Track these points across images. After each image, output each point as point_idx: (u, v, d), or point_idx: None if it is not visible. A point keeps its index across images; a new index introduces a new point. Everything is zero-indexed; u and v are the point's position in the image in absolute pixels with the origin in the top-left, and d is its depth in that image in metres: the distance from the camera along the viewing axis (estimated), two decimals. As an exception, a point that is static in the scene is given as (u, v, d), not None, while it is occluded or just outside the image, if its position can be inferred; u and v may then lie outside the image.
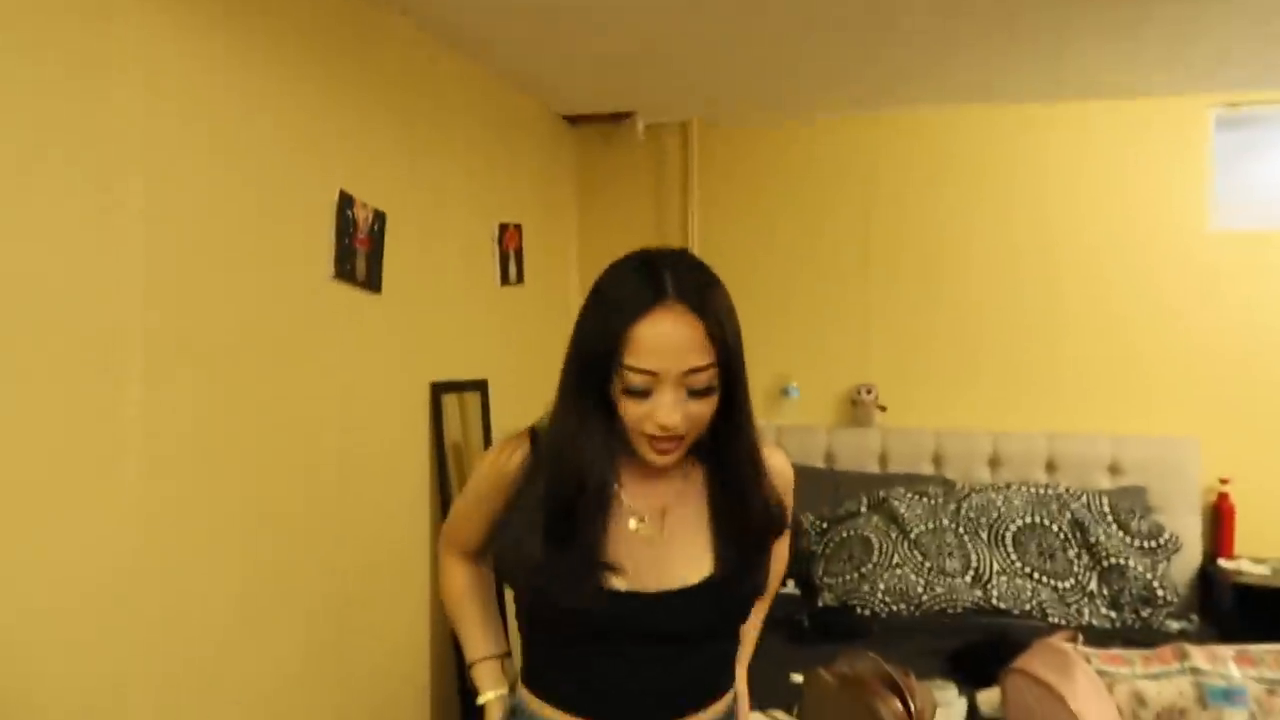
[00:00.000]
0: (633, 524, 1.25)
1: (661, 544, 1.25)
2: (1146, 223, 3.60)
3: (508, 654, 1.46)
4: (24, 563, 1.66)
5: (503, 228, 3.42)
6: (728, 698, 1.34)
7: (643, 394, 1.15)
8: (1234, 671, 2.00)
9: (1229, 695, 1.90)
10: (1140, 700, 2.00)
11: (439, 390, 3.00)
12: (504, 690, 1.40)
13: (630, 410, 1.17)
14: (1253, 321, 3.48)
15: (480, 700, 1.40)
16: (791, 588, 3.40)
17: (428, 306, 2.95)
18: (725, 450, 1.25)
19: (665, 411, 1.14)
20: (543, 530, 1.20)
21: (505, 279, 3.43)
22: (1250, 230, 3.51)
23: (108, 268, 1.81)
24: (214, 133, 2.07)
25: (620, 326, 1.13)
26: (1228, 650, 2.05)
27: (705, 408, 1.17)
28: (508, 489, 1.28)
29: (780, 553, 1.51)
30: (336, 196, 2.45)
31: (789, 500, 1.38)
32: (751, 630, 1.51)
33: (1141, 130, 3.61)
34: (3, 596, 1.62)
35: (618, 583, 1.21)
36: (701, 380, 1.15)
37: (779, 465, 1.37)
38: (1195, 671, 1.99)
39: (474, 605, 1.46)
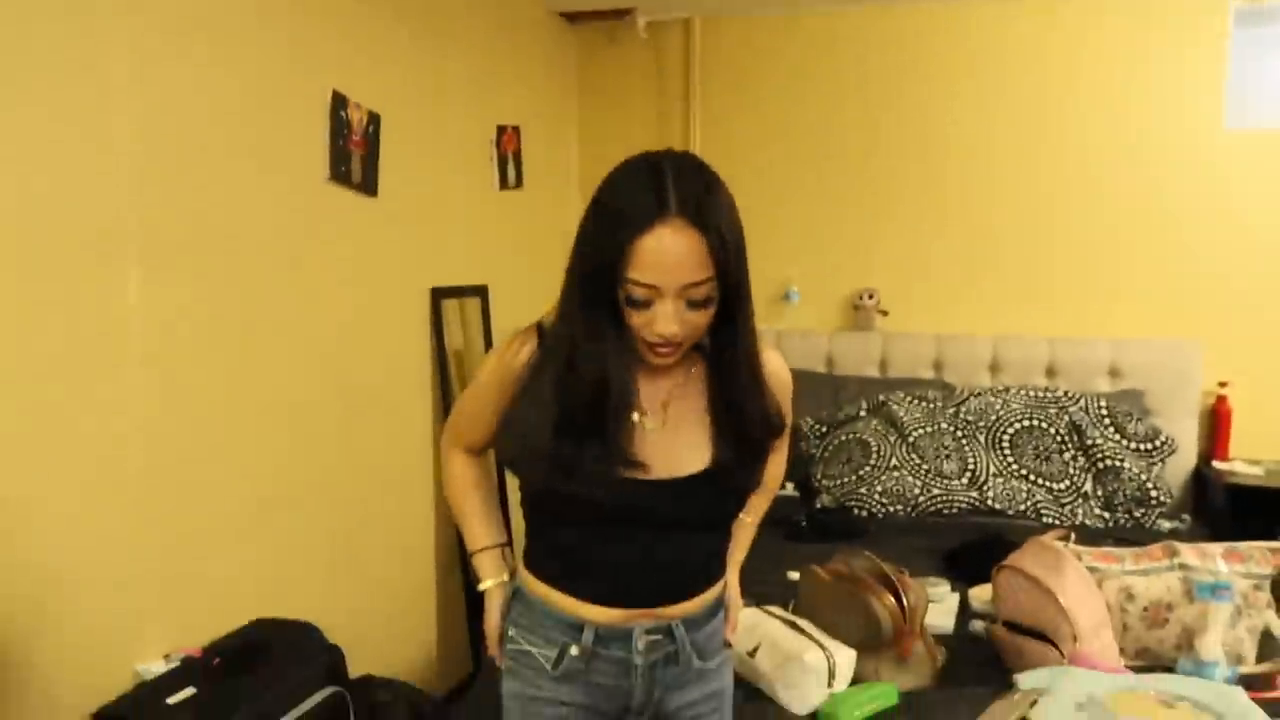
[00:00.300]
0: (636, 418, 1.29)
1: (663, 435, 1.29)
2: (1159, 121, 3.52)
3: (508, 544, 1.50)
4: (29, 463, 1.69)
5: (501, 130, 3.36)
6: (717, 587, 1.40)
7: (644, 304, 1.19)
8: (1222, 567, 2.04)
9: (1215, 590, 1.95)
10: (1129, 595, 2.04)
11: (439, 296, 2.99)
12: (504, 577, 1.45)
13: (632, 318, 1.21)
14: (1263, 223, 3.43)
15: (481, 587, 1.46)
16: (790, 489, 3.45)
17: (426, 211, 2.92)
18: (725, 353, 1.29)
19: (664, 322, 1.18)
20: (554, 424, 1.23)
21: (504, 183, 3.39)
22: (1268, 130, 3.42)
23: (99, 168, 1.80)
24: (204, 30, 2.02)
25: (623, 240, 1.16)
26: (1216, 547, 2.09)
27: (703, 318, 1.22)
28: (514, 384, 1.30)
29: (779, 456, 1.54)
30: (329, 97, 2.41)
31: (787, 403, 1.41)
32: (747, 531, 1.55)
33: (1156, 24, 3.50)
34: (11, 493, 1.65)
35: (623, 471, 1.25)
36: (700, 293, 1.18)
37: (776, 368, 1.39)
38: (1184, 568, 2.03)
39: (476, 497, 1.50)
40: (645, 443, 1.28)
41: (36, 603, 1.71)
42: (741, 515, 1.51)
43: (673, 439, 1.30)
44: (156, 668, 1.91)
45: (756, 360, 1.30)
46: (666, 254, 1.15)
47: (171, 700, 1.79)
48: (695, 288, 1.17)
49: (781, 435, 1.38)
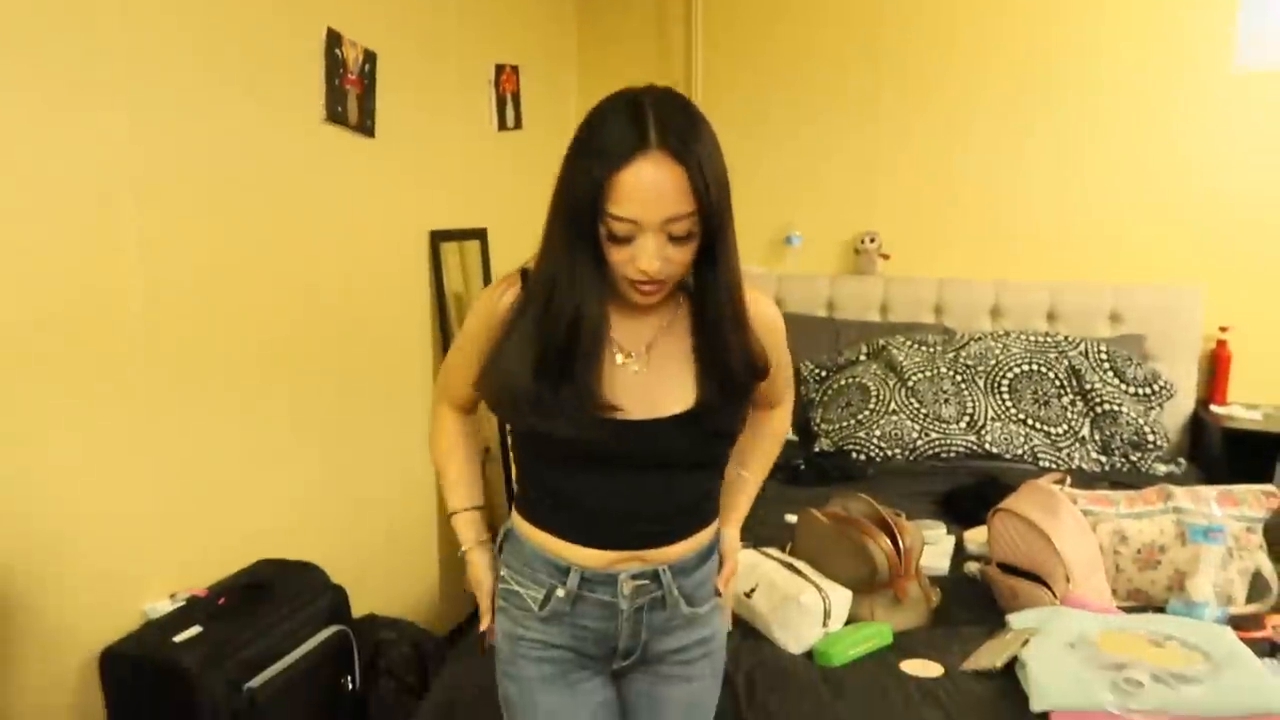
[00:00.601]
0: (620, 359, 1.29)
1: (647, 376, 1.29)
2: (1166, 62, 3.46)
3: (484, 506, 1.51)
4: (34, 409, 1.69)
5: (499, 69, 3.31)
6: (707, 533, 1.39)
7: (625, 240, 1.17)
8: (1215, 511, 2.06)
9: (1208, 532, 1.97)
10: (1122, 537, 2.07)
11: (438, 239, 2.98)
12: (485, 538, 1.46)
13: (613, 255, 1.19)
14: (1268, 166, 3.39)
15: (463, 549, 1.46)
16: (789, 433, 3.46)
17: (424, 152, 2.89)
18: (708, 293, 1.27)
19: (646, 258, 1.17)
20: (533, 365, 1.22)
21: (503, 124, 3.35)
22: (1277, 71, 3.37)
23: (92, 110, 1.77)
24: (192, -35, 1.98)
25: (603, 174, 1.14)
26: (1210, 491, 2.11)
27: (685, 254, 1.20)
28: (499, 329, 1.29)
29: (783, 411, 1.56)
30: (324, 34, 2.37)
31: (778, 349, 1.39)
32: (747, 487, 1.54)
33: (1167, -37, 3.43)
34: (17, 438, 1.67)
35: (601, 411, 1.25)
36: (682, 227, 1.17)
37: (763, 312, 1.36)
38: (1178, 511, 2.05)
39: (456, 459, 1.49)
40: (627, 383, 1.27)
41: (46, 545, 1.73)
42: (742, 471, 1.50)
43: (656, 380, 1.29)
44: (163, 607, 1.95)
45: (740, 299, 1.28)
46: (647, 187, 1.13)
47: (178, 638, 1.82)
48: (676, 222, 1.16)
49: (763, 378, 1.35)
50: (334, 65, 2.40)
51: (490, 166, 3.28)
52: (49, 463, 1.73)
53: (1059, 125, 3.59)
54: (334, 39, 2.39)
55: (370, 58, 2.54)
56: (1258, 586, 2.04)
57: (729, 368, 1.28)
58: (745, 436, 1.44)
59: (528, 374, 1.22)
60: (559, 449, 1.27)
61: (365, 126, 2.55)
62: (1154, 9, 3.44)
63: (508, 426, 1.39)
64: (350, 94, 2.47)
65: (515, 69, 3.42)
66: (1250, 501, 2.09)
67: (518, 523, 1.38)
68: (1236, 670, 1.65)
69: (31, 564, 1.69)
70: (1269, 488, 2.10)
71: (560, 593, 1.32)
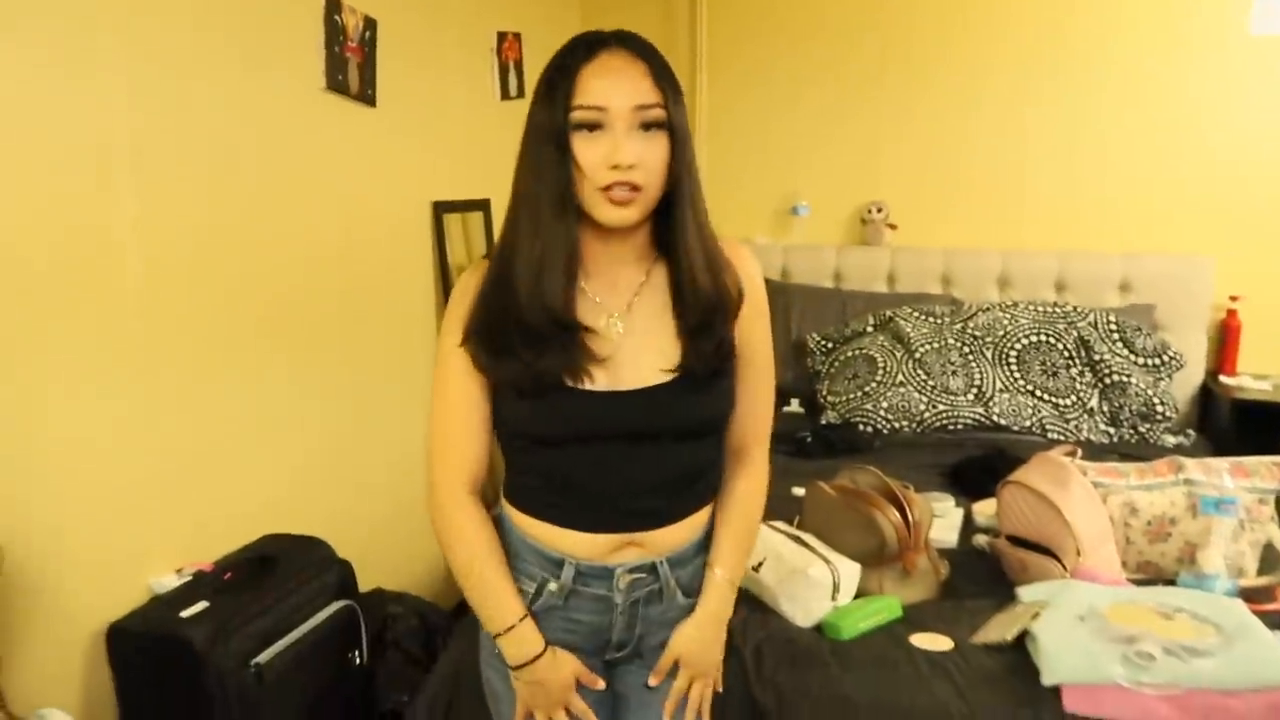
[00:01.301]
0: (604, 322, 1.23)
1: (631, 340, 1.24)
2: (1180, 25, 3.39)
3: None
4: (34, 384, 1.68)
5: (501, 37, 3.26)
6: (704, 514, 1.33)
7: (595, 131, 1.14)
8: (1228, 482, 2.04)
9: (1220, 504, 1.95)
10: (1132, 509, 2.05)
11: (441, 209, 2.95)
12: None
13: (585, 156, 1.14)
14: (1283, 136, 3.34)
15: (536, 652, 1.27)
16: (795, 406, 3.45)
17: (426, 122, 2.86)
18: (676, 234, 1.22)
19: (621, 149, 1.13)
20: (515, 335, 1.18)
21: (505, 93, 3.30)
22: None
23: (88, 78, 1.74)
24: (188, -70, 1.94)
25: (567, 77, 1.14)
26: (1223, 462, 2.09)
27: (657, 152, 1.15)
28: (470, 314, 1.23)
29: (763, 394, 1.38)
30: (323, 1, 2.33)
31: (751, 292, 1.30)
32: (742, 518, 1.37)
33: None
34: (18, 413, 1.65)
35: (591, 384, 1.20)
36: (652, 115, 1.14)
37: (737, 253, 1.31)
38: (1189, 483, 2.03)
39: (492, 562, 1.28)
40: (609, 350, 1.22)
41: (50, 522, 1.72)
42: (715, 568, 1.33)
43: (640, 342, 1.24)
44: (169, 582, 1.94)
45: (709, 236, 1.24)
46: (611, 72, 1.14)
47: (184, 614, 1.82)
48: (645, 110, 1.14)
49: (736, 311, 1.26)
50: (333, 32, 2.36)
51: (493, 136, 3.24)
52: (51, 438, 1.72)
53: (1069, 91, 3.54)
54: (333, 5, 2.35)
55: (370, 25, 2.50)
56: (1269, 559, 2.02)
57: (699, 303, 1.22)
58: (716, 509, 1.34)
59: (510, 346, 1.18)
60: (548, 426, 1.22)
61: (366, 95, 2.52)
62: (1168, -28, 3.38)
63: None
64: (351, 62, 2.43)
65: (518, 36, 3.37)
66: (1262, 473, 2.07)
67: (507, 510, 1.32)
68: (1248, 643, 1.64)
69: (36, 540, 1.68)
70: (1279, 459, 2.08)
71: (553, 586, 1.27)
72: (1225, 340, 3.41)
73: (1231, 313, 3.39)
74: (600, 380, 1.21)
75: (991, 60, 3.62)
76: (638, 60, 1.15)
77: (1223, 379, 3.35)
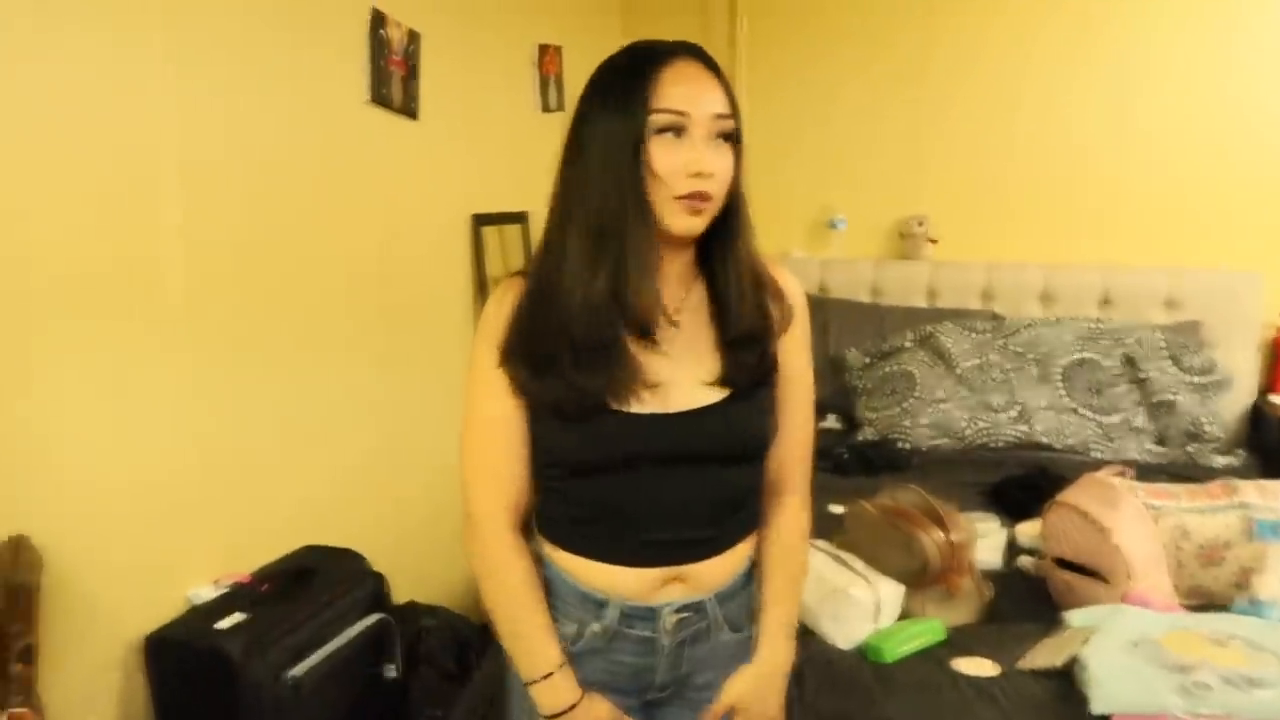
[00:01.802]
0: (648, 343, 1.16)
1: (672, 362, 1.18)
2: (1228, 32, 3.32)
3: None
4: (78, 395, 1.69)
5: (542, 50, 3.27)
6: (748, 545, 1.28)
7: (674, 136, 1.10)
8: (1284, 506, 1.98)
9: (1277, 529, 1.89)
10: (1184, 533, 1.99)
11: (480, 222, 2.95)
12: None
13: (664, 161, 1.09)
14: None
15: (574, 701, 1.21)
16: (833, 421, 3.41)
17: (467, 134, 2.87)
18: (729, 249, 1.19)
19: (703, 156, 1.10)
20: (564, 354, 1.12)
21: (546, 106, 3.31)
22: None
23: (138, 91, 1.76)
24: (234, -55, 1.96)
25: (642, 83, 1.10)
26: (1278, 485, 2.03)
27: (728, 162, 1.13)
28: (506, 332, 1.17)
29: (804, 420, 1.32)
30: (369, 15, 2.34)
31: (796, 313, 1.26)
32: (792, 556, 1.33)
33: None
34: (57, 430, 1.66)
35: (640, 406, 1.15)
36: (729, 125, 1.13)
37: (781, 274, 1.27)
38: (1244, 506, 1.97)
39: (537, 598, 1.22)
40: (658, 366, 1.16)
41: (89, 530, 1.73)
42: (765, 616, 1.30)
43: (683, 363, 1.18)
44: (206, 593, 1.95)
45: (754, 256, 1.21)
46: (688, 80, 1.11)
47: (221, 625, 1.82)
48: (722, 119, 1.11)
49: (776, 333, 1.22)
50: (379, 46, 2.37)
51: (533, 149, 3.23)
52: (92, 447, 1.73)
53: (1113, 103, 3.47)
54: (379, 20, 2.36)
55: (414, 38, 2.51)
56: (1328, 586, 1.95)
57: (751, 330, 1.18)
58: (764, 546, 1.30)
59: (559, 366, 1.12)
60: (593, 450, 1.16)
61: (409, 108, 2.53)
62: (1217, -17, 3.31)
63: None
64: (395, 75, 2.44)
65: (558, 49, 3.37)
66: (1320, 497, 2.01)
67: (543, 546, 1.26)
68: (1309, 674, 1.58)
69: (76, 549, 1.69)
70: (1340, 483, 2.01)
71: (595, 628, 1.21)
72: (1276, 358, 3.33)
73: (1282, 330, 3.31)
74: (648, 402, 1.16)
75: (1034, 73, 3.56)
76: (709, 70, 1.14)
77: (1273, 398, 3.26)
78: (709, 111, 1.10)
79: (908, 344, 3.42)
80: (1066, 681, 1.68)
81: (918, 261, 3.71)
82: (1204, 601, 2.00)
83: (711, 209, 1.13)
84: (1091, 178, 3.54)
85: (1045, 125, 3.58)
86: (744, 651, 1.30)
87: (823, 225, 3.86)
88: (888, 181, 3.81)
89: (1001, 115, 3.63)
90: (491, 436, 1.22)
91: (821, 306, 3.61)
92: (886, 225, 3.83)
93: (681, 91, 1.10)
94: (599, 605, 1.21)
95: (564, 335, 1.12)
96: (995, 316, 3.48)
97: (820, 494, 2.56)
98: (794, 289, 1.27)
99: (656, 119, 1.09)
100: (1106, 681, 1.59)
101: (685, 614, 1.22)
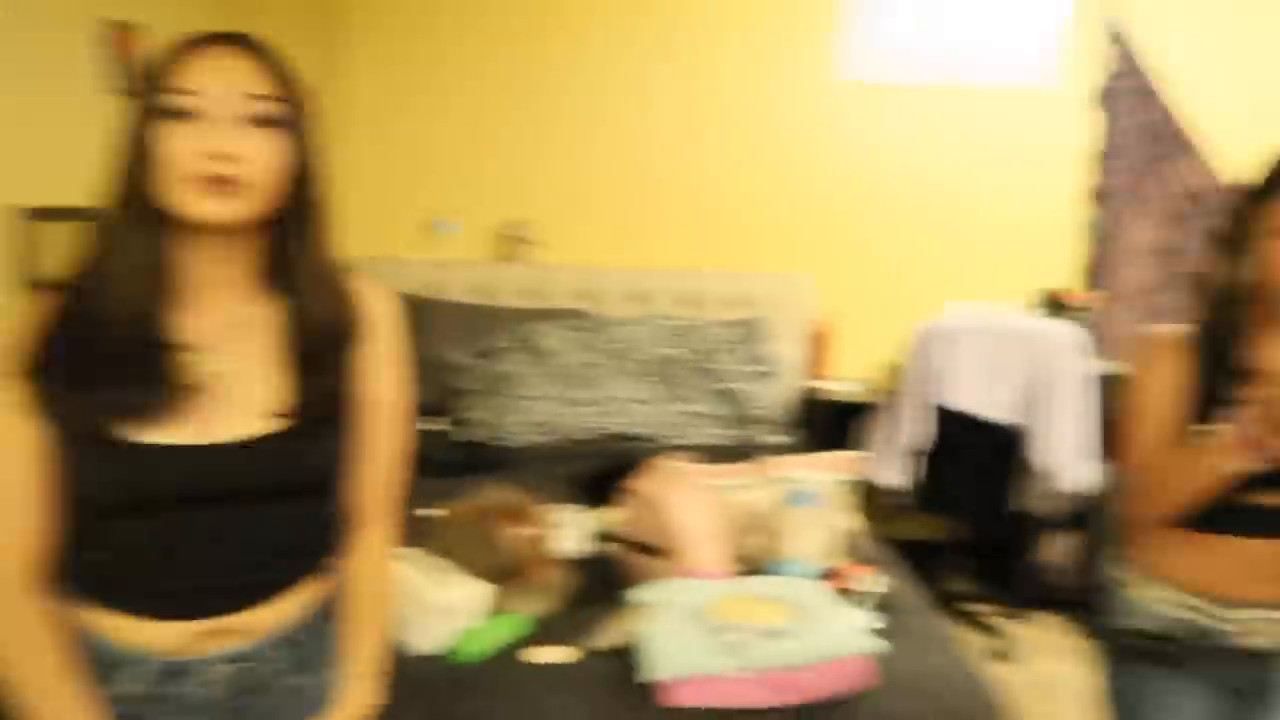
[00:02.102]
0: (192, 360, 1.05)
1: (223, 386, 1.06)
2: (776, 70, 3.82)
3: None
4: None
5: (112, 28, 2.92)
6: (315, 588, 1.17)
7: (187, 119, 0.98)
8: (810, 476, 2.29)
9: (802, 497, 2.19)
10: (731, 507, 2.24)
11: (37, 216, 2.59)
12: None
13: (174, 145, 0.98)
14: (867, 167, 3.85)
15: None
16: (436, 424, 3.42)
17: (17, 119, 2.51)
18: (294, 257, 1.08)
19: (218, 135, 0.98)
20: (73, 376, 1.00)
21: (123, 90, 2.95)
22: (874, 84, 3.80)
23: None
24: None
25: (165, 62, 1.00)
26: (806, 458, 2.35)
27: (269, 149, 1.01)
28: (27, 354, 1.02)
29: (390, 451, 1.24)
30: None
31: (380, 328, 1.19)
32: (374, 600, 1.25)
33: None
34: None
35: (174, 436, 1.03)
36: (264, 108, 1.00)
37: (367, 289, 1.19)
38: (776, 479, 2.26)
39: (61, 665, 1.05)
40: (202, 393, 1.04)
41: None
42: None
43: (236, 388, 1.07)
44: None
45: (329, 251, 1.11)
46: (215, 61, 1.00)
47: None
48: (256, 101, 1.00)
49: (348, 340, 1.13)
50: None
51: (101, 138, 2.89)
52: None
53: (688, 128, 3.89)
54: None
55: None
56: (842, 542, 2.30)
57: (322, 352, 1.09)
58: (345, 589, 1.21)
59: (69, 390, 1.00)
60: (114, 487, 1.02)
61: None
62: (766, 22, 3.78)
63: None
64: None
65: (135, 29, 3.03)
66: (841, 466, 2.36)
67: (70, 602, 1.08)
68: (824, 621, 1.84)
69: None
70: (852, 453, 2.37)
71: (135, 690, 1.06)
72: (823, 349, 3.86)
73: (827, 325, 3.85)
74: (184, 432, 1.03)
75: (624, 98, 3.88)
76: (249, 52, 1.02)
77: (819, 384, 3.78)
78: (236, 89, 1.00)
79: (508, 344, 3.52)
80: (638, 657, 1.81)
81: (521, 264, 3.84)
82: (751, 568, 2.26)
83: (249, 197, 1.01)
84: (673, 190, 3.92)
85: (632, 142, 3.90)
86: (327, 693, 1.21)
87: (428, 227, 3.88)
88: (497, 187, 3.92)
89: (597, 130, 3.89)
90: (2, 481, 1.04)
91: (427, 308, 3.62)
92: (492, 229, 3.94)
93: (200, 71, 1.00)
94: (133, 664, 1.06)
95: (101, 344, 1.01)
96: (592, 316, 3.69)
97: (418, 499, 2.55)
98: (381, 306, 1.19)
99: (164, 100, 0.99)
100: (659, 650, 1.74)
101: (243, 663, 1.10)
